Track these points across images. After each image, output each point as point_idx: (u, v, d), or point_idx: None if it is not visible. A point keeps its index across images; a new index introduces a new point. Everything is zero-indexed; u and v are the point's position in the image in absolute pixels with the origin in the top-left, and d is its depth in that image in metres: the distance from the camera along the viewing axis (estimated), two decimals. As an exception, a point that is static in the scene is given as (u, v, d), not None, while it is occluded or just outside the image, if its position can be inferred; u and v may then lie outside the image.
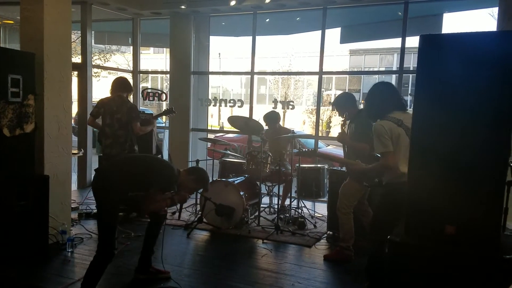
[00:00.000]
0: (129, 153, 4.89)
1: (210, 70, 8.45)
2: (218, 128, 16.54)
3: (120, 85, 5.02)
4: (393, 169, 3.01)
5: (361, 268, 3.63)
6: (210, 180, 5.42)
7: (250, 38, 7.37)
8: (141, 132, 4.96)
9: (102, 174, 3.33)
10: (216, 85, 22.57)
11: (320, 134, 10.69)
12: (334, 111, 6.05)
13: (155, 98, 7.71)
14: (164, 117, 6.03)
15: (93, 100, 7.42)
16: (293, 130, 5.94)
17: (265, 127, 6.18)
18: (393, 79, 20.88)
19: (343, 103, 4.38)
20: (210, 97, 8.07)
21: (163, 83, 21.61)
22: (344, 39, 7.69)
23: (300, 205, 5.86)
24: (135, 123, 4.86)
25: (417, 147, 2.38)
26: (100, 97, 5.20)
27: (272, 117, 6.17)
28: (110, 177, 3.23)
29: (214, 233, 5.09)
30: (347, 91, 22.15)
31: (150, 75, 22.42)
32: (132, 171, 3.29)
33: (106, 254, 3.14)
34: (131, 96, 5.35)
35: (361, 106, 4.34)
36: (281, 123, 6.59)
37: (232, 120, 6.15)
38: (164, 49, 17.89)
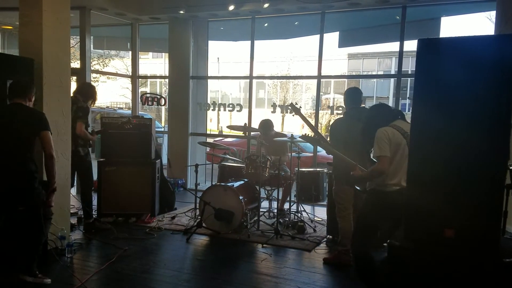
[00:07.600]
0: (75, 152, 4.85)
1: (209, 75, 8.47)
2: (217, 133, 16.54)
3: (81, 90, 5.17)
4: (383, 175, 3.00)
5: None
6: (210, 185, 5.44)
7: (249, 42, 7.40)
8: (82, 135, 4.92)
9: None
10: (215, 89, 22.59)
11: (319, 138, 10.68)
12: (333, 115, 6.05)
13: (154, 103, 7.73)
14: (162, 121, 6.04)
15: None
16: (292, 135, 5.91)
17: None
18: (391, 83, 20.98)
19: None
20: (209, 102, 8.08)
21: (162, 88, 21.63)
22: (342, 43, 7.73)
23: (299, 209, 5.84)
24: (79, 122, 4.89)
25: (416, 151, 2.38)
26: (98, 102, 5.17)
27: (266, 125, 5.98)
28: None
29: (214, 238, 5.07)
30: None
31: (149, 80, 22.44)
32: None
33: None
34: (131, 101, 5.33)
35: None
36: (279, 128, 6.58)
37: (231, 128, 6.18)
38: (163, 54, 17.88)
